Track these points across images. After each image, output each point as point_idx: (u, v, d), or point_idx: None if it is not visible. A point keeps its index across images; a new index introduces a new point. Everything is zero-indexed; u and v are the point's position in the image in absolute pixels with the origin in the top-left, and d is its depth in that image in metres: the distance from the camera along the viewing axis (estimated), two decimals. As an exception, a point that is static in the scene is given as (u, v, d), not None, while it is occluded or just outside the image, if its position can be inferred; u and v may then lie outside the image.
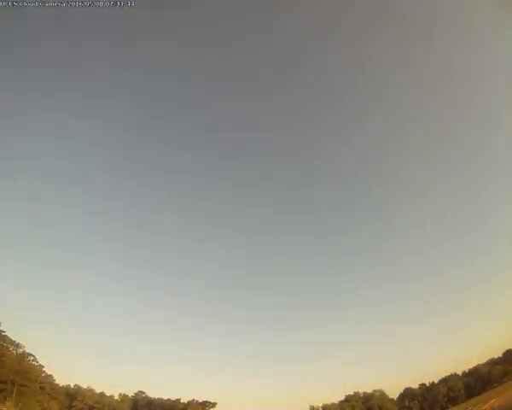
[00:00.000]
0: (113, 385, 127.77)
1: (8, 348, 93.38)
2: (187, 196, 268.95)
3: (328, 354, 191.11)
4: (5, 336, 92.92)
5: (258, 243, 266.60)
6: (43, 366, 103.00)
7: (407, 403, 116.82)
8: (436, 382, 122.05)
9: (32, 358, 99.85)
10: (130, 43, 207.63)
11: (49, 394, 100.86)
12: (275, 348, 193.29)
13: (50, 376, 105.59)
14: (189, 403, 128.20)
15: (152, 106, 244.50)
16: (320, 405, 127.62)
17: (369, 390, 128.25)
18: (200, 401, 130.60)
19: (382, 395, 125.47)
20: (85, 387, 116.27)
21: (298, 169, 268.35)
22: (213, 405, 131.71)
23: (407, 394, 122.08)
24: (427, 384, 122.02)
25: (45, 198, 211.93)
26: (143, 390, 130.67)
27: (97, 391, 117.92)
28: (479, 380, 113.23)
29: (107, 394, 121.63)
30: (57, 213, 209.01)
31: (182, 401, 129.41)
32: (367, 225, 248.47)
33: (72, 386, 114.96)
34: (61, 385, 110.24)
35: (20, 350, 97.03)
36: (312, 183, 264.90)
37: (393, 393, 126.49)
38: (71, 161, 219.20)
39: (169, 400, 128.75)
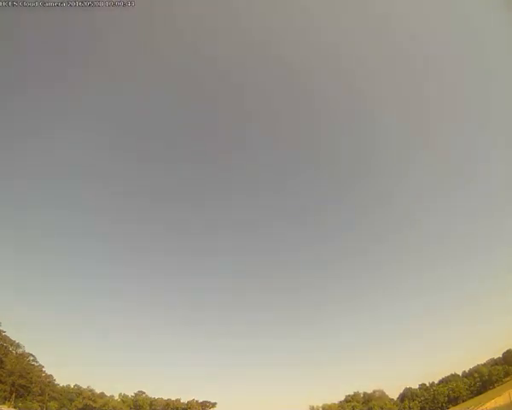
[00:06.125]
0: (114, 385, 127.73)
1: (8, 348, 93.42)
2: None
3: (328, 354, 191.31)
4: (5, 336, 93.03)
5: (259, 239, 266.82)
6: (43, 366, 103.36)
7: (407, 403, 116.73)
8: (436, 382, 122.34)
9: (32, 358, 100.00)
10: (130, 43, 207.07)
11: (49, 394, 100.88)
12: (275, 349, 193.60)
13: (50, 376, 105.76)
14: (190, 403, 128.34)
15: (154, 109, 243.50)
16: (320, 405, 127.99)
17: (369, 390, 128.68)
18: (201, 401, 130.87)
19: (382, 395, 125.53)
20: (85, 387, 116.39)
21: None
22: (213, 405, 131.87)
23: (407, 394, 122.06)
24: (427, 384, 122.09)
25: (44, 200, 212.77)
26: (143, 390, 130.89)
27: (97, 391, 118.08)
28: (479, 380, 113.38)
29: (107, 394, 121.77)
30: (55, 217, 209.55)
31: (182, 401, 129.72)
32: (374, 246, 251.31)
33: (72, 386, 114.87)
34: (61, 385, 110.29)
35: (20, 350, 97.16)
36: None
37: (393, 393, 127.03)
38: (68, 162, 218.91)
39: (169, 400, 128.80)
